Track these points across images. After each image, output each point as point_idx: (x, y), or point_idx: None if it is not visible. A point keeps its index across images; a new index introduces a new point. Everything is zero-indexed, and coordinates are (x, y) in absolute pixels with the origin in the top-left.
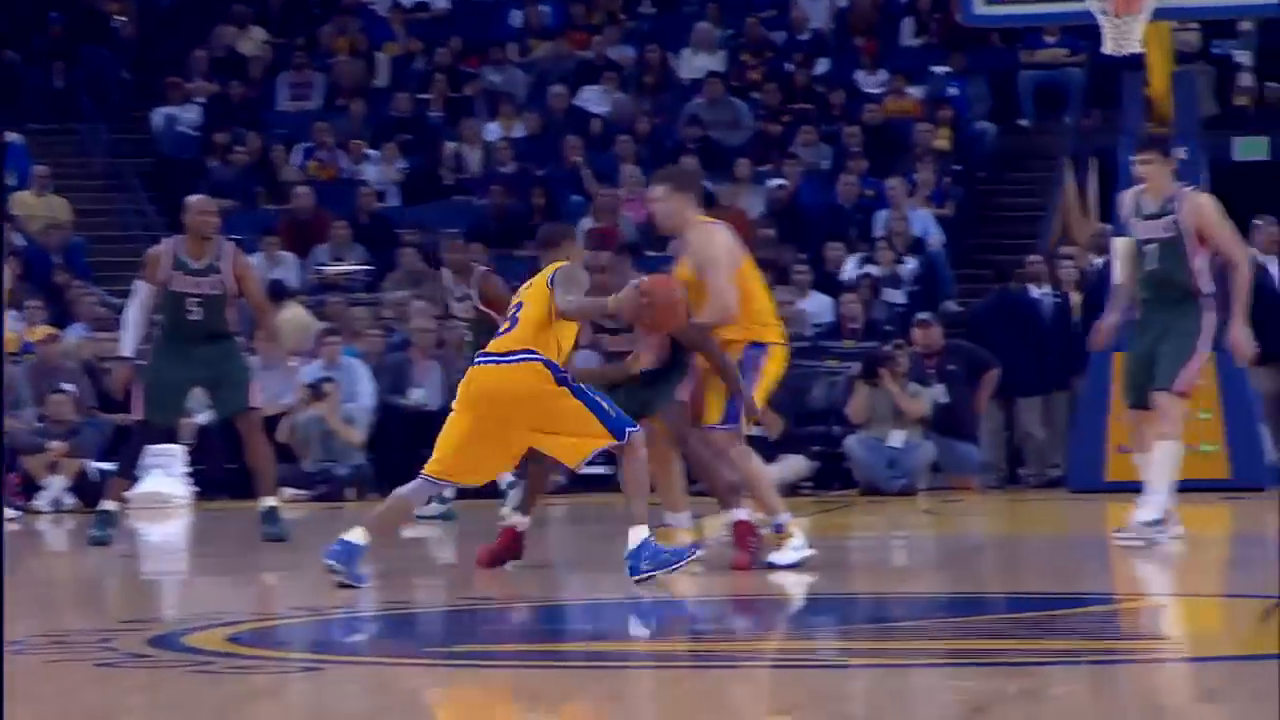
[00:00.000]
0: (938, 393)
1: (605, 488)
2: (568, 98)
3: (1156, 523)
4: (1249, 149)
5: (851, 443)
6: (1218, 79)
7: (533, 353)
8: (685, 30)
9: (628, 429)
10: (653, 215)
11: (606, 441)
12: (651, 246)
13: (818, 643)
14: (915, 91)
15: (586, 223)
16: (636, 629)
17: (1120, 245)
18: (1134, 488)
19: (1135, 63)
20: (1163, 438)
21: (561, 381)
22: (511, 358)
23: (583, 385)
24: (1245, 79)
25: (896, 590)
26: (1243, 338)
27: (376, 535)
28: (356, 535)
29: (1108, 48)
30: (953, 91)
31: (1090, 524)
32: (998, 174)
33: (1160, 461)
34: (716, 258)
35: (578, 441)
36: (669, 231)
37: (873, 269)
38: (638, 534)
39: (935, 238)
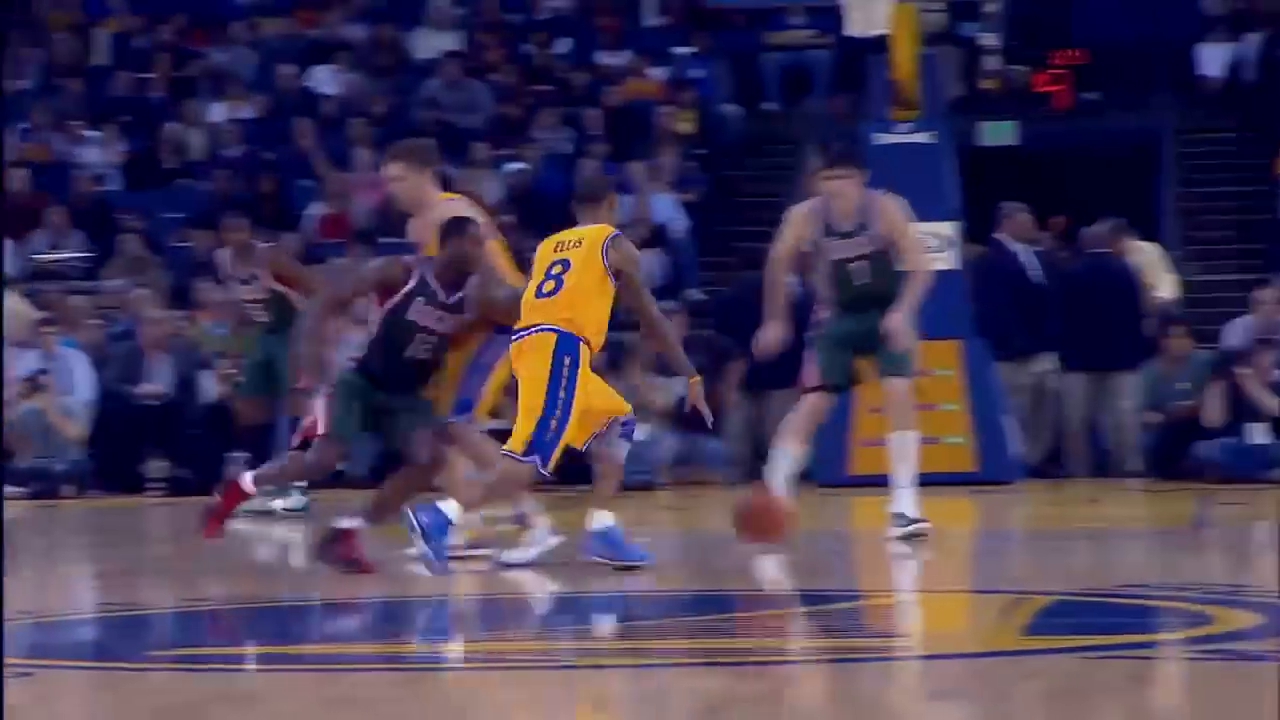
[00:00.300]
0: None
1: (342, 485)
2: (297, 78)
3: (901, 517)
4: (996, 133)
5: None
6: (964, 61)
7: (552, 326)
8: (420, 8)
9: (533, 456)
10: (391, 195)
11: (517, 449)
12: (385, 233)
13: (553, 643)
14: (658, 73)
15: (318, 208)
16: (370, 630)
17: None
18: (879, 481)
19: (881, 45)
20: (903, 428)
21: (556, 365)
22: (533, 330)
23: (567, 387)
24: (992, 62)
25: (635, 588)
26: (902, 326)
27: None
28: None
29: (852, 29)
30: (696, 73)
31: (834, 519)
32: (742, 159)
33: (906, 453)
34: None
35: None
36: (410, 210)
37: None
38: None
39: (679, 224)
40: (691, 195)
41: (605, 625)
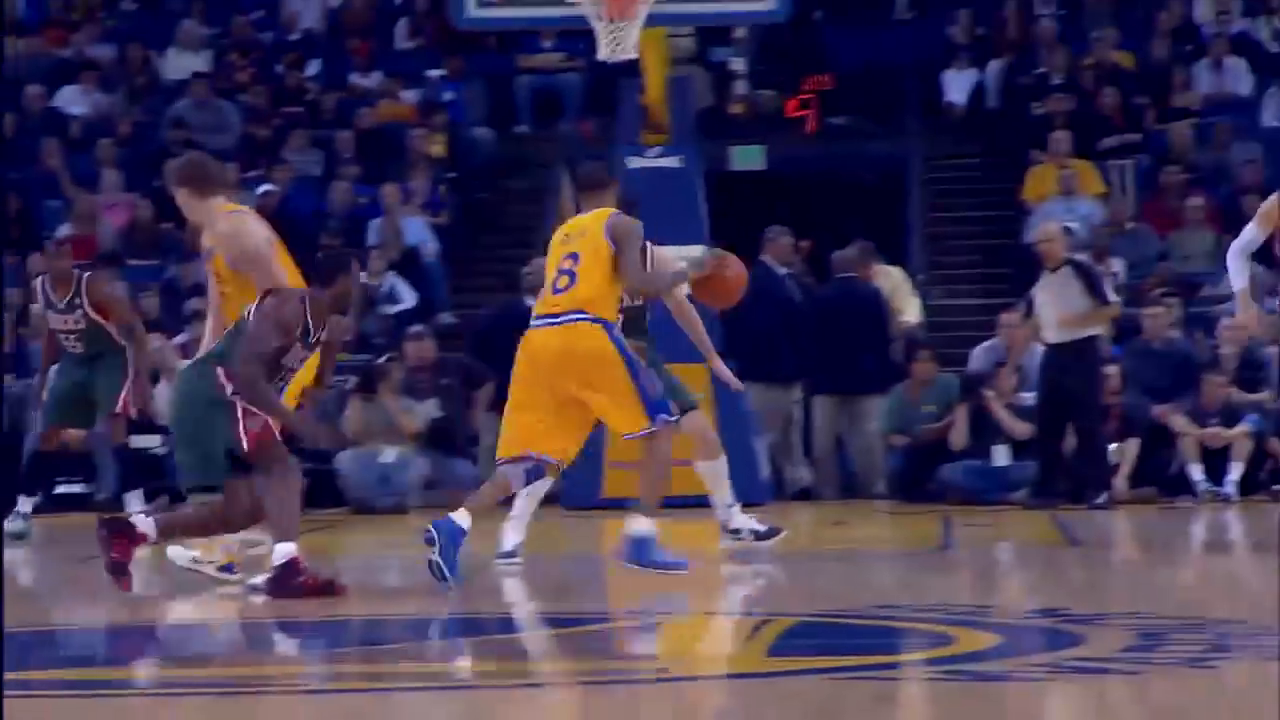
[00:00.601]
0: (431, 408)
1: (79, 507)
2: (45, 98)
3: (739, 531)
4: (745, 157)
5: (344, 458)
6: (714, 86)
7: (583, 313)
8: (169, 29)
9: (660, 415)
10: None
11: (639, 425)
12: (132, 254)
13: (302, 666)
14: (410, 96)
15: (65, 229)
16: (107, 654)
17: None
18: (631, 504)
19: (631, 69)
20: (710, 457)
21: (619, 346)
22: (566, 318)
23: (631, 354)
24: (741, 86)
25: (387, 612)
26: (724, 370)
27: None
28: (462, 518)
29: (603, 53)
30: (448, 96)
31: (586, 541)
32: (494, 181)
33: (719, 478)
34: (256, 247)
35: (623, 414)
36: (196, 226)
37: (365, 279)
38: (640, 525)
39: (430, 247)
40: (443, 218)
41: (355, 649)
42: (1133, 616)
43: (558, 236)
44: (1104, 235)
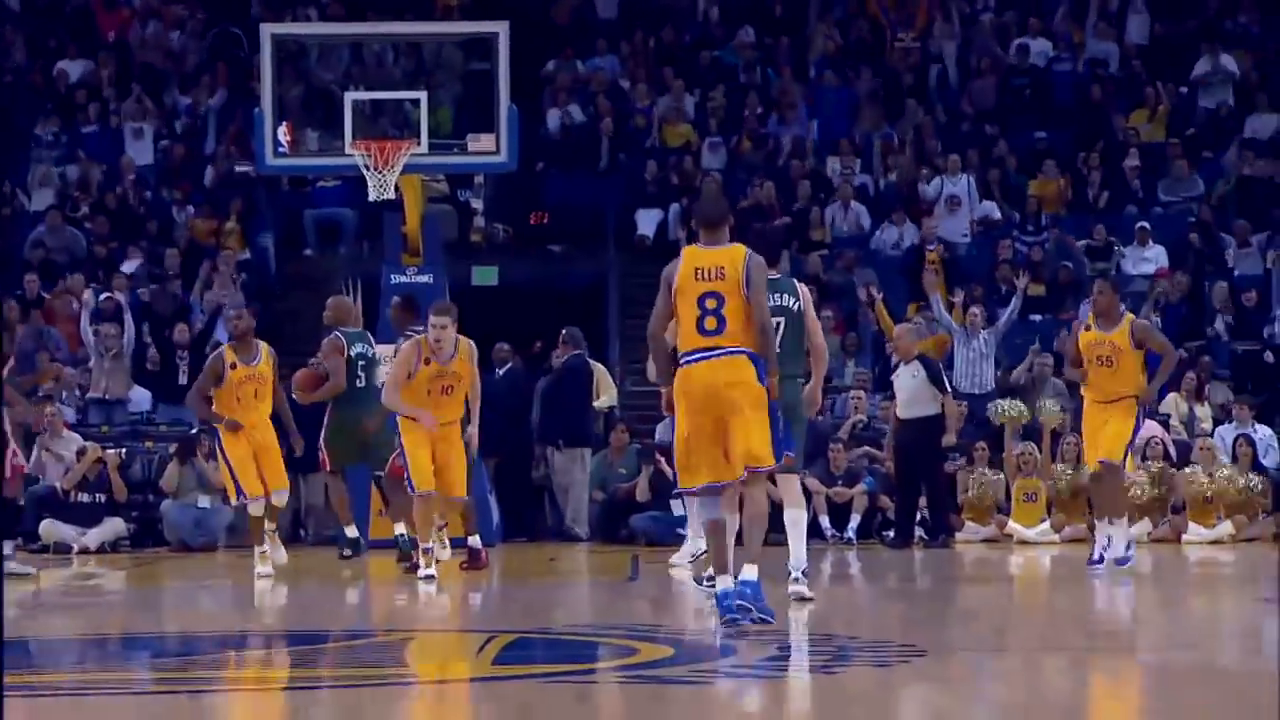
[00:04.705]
0: None
1: None
2: None
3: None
4: (483, 275)
5: (167, 506)
6: (459, 219)
7: (735, 348)
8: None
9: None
10: None
11: (769, 462)
12: None
13: (129, 673)
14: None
15: None
16: None
17: None
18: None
19: (393, 205)
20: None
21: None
22: (720, 352)
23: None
24: (479, 220)
25: (201, 629)
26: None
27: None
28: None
29: (371, 194)
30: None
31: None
32: (287, 293)
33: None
34: None
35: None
36: None
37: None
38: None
39: None
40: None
41: (175, 659)
42: (775, 633)
43: (687, 269)
44: None
